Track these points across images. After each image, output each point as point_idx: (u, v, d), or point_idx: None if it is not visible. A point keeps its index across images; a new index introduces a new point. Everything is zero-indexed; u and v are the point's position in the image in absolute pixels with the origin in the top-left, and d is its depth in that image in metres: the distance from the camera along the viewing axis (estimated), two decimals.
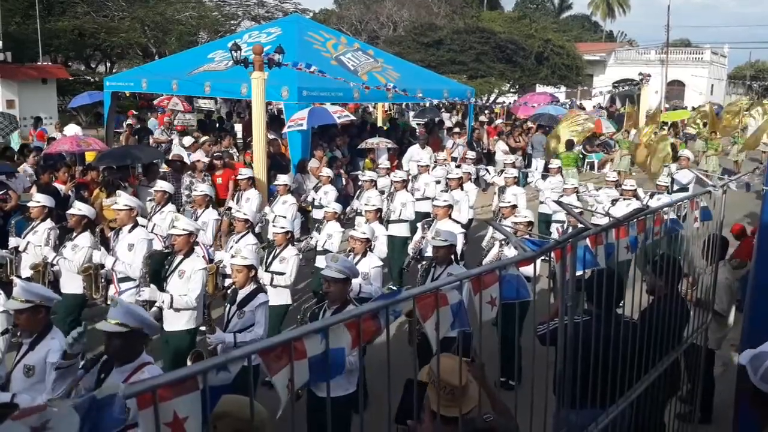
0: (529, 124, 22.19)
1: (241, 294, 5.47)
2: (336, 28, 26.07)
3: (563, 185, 11.07)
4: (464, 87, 19.25)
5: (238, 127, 19.74)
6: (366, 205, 8.50)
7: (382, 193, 10.79)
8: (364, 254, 6.68)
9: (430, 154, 14.48)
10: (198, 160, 11.21)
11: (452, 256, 6.27)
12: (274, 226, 7.32)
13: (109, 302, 6.44)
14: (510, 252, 6.85)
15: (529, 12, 54.76)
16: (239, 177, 10.11)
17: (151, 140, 17.14)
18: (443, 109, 23.82)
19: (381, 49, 21.15)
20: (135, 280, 6.56)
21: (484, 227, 10.36)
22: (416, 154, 14.48)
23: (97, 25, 28.58)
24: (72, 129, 16.26)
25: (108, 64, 35.47)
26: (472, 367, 3.29)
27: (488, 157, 18.46)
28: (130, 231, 6.72)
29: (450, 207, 8.42)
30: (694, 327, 4.79)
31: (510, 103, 31.57)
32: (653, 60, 52.71)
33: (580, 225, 3.29)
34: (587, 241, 3.25)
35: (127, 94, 24.49)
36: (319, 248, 8.24)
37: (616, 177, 11.90)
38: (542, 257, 3.01)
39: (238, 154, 14.54)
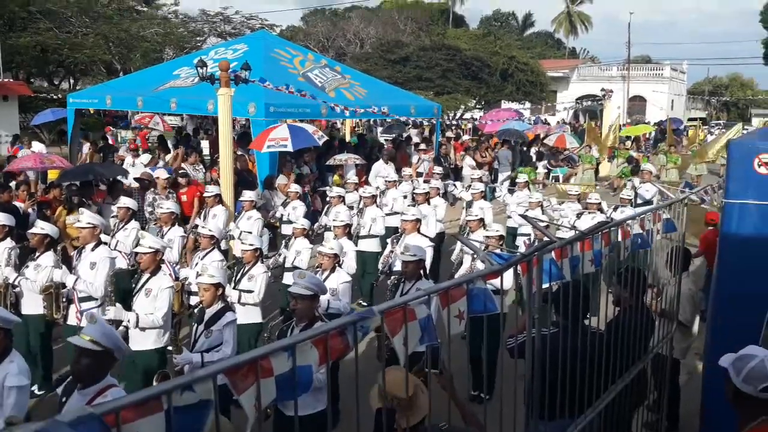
0: (495, 139, 22.43)
1: (209, 313, 5.38)
2: (303, 45, 26.08)
3: (529, 199, 11.19)
4: (431, 103, 19.41)
5: (206, 144, 19.58)
6: (334, 220, 8.50)
7: (350, 208, 10.79)
8: (332, 270, 6.68)
9: (393, 169, 14.57)
10: (158, 177, 11.10)
11: (421, 271, 6.27)
12: (243, 242, 7.25)
13: (81, 322, 6.31)
14: (482, 265, 6.89)
15: (494, 29, 55.56)
16: (206, 194, 10.01)
17: (115, 158, 16.90)
18: (411, 125, 23.96)
19: (348, 66, 21.22)
20: (97, 299, 6.42)
21: (454, 241, 10.41)
22: (382, 170, 14.54)
23: (59, 41, 28.14)
24: (36, 146, 15.99)
25: (71, 81, 34.96)
26: (441, 378, 3.31)
27: (455, 172, 18.59)
28: (92, 249, 6.58)
29: (418, 221, 8.46)
30: (659, 337, 4.86)
31: (476, 119, 31.87)
32: (615, 76, 53.88)
33: (545, 238, 3.33)
34: (552, 254, 3.28)
35: (92, 111, 24.14)
36: (287, 265, 8.19)
37: (578, 191, 12.03)
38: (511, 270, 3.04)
39: (204, 171, 14.41)
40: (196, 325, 5.50)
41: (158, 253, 6.02)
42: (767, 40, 54.10)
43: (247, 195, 9.80)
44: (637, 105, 54.15)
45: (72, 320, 6.45)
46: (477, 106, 36.68)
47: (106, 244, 7.17)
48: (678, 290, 5.38)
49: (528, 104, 39.40)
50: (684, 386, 6.63)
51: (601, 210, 10.37)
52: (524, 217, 5.42)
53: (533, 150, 23.53)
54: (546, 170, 22.27)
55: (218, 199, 9.81)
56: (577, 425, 3.54)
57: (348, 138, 21.17)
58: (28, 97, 26.01)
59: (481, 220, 8.86)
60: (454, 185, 13.83)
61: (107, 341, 3.69)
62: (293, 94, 12.77)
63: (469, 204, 11.06)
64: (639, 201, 12.79)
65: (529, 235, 10.07)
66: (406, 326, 2.42)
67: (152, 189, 10.89)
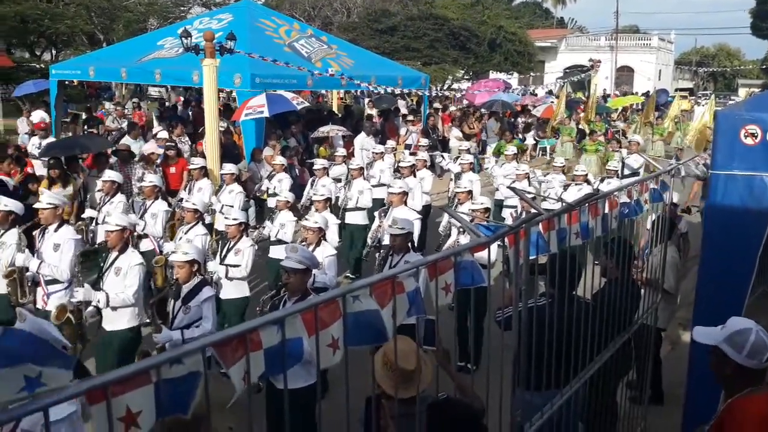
0: (483, 110, 22.31)
1: (185, 289, 5.40)
2: (288, 14, 25.71)
3: (516, 171, 11.19)
4: (418, 74, 19.27)
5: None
6: (314, 194, 8.46)
7: (338, 181, 10.76)
8: (317, 243, 6.65)
9: (374, 141, 14.55)
10: (152, 153, 11.00)
11: (409, 244, 6.30)
12: (227, 217, 7.21)
13: (48, 306, 6.13)
14: (466, 240, 6.91)
15: None
16: (191, 167, 9.90)
17: (102, 129, 16.78)
18: (399, 97, 23.81)
19: (334, 36, 20.99)
20: (63, 282, 6.24)
21: (441, 213, 10.43)
22: (366, 143, 14.49)
23: (40, 11, 27.56)
24: (36, 116, 15.77)
25: (53, 52, 34.36)
26: (437, 354, 3.35)
27: (444, 144, 18.55)
28: (56, 230, 6.31)
29: (405, 194, 8.43)
30: (644, 308, 4.91)
31: (464, 89, 31.66)
32: (603, 46, 53.70)
33: (533, 210, 3.34)
34: (540, 226, 3.29)
35: (75, 83, 23.79)
36: (272, 238, 8.20)
37: (563, 163, 12.06)
38: (498, 242, 3.05)
39: (190, 143, 14.30)
40: (173, 301, 5.49)
41: (125, 231, 5.89)
42: (754, 10, 54.03)
43: (228, 168, 9.67)
44: (624, 75, 54.12)
45: (39, 304, 6.28)
46: (465, 77, 36.46)
47: (91, 218, 7.01)
48: (663, 259, 5.43)
49: (516, 75, 39.22)
50: (667, 357, 6.72)
51: (587, 182, 10.41)
52: (512, 188, 5.43)
53: (521, 120, 23.49)
54: (534, 141, 22.26)
55: (204, 171, 9.70)
56: (563, 395, 3.59)
57: (335, 109, 21.04)
58: (9, 68, 25.59)
59: (470, 192, 8.88)
60: (442, 157, 13.80)
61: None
62: (279, 65, 12.64)
63: (458, 176, 11.06)
64: (627, 171, 12.86)
65: (515, 207, 10.10)
66: (394, 299, 2.43)
67: (142, 163, 10.80)
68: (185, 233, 7.20)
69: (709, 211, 4.64)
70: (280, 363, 2.11)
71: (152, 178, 8.56)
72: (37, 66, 26.29)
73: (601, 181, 11.05)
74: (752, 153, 4.32)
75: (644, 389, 5.38)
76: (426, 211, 10.71)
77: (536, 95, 31.96)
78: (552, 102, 25.00)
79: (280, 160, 10.99)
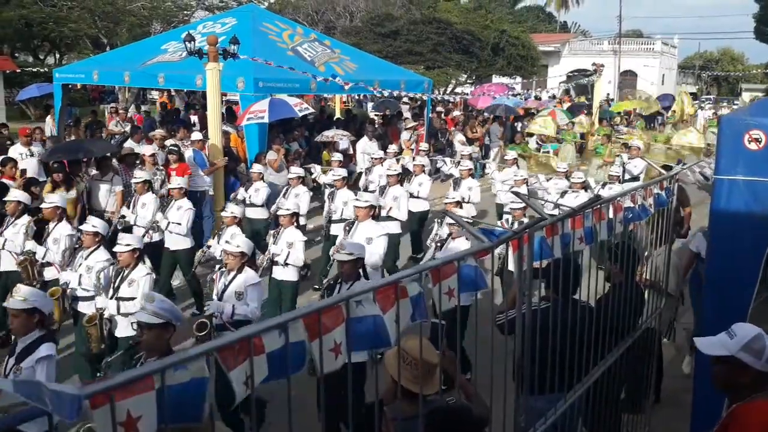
0: (485, 114, 22.30)
1: (21, 344, 4.43)
2: (292, 18, 25.73)
3: (515, 177, 11.13)
4: (421, 78, 19.28)
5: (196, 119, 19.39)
6: (280, 209, 7.86)
7: (330, 186, 10.58)
8: (239, 270, 5.91)
9: (378, 145, 14.52)
10: (143, 154, 10.90)
11: (360, 270, 5.66)
12: (119, 243, 6.13)
13: None
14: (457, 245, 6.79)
15: (485, 3, 55.03)
16: (134, 180, 8.84)
17: (105, 132, 16.82)
18: (403, 101, 23.83)
19: (338, 40, 21.01)
20: None
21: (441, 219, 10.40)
22: (368, 147, 14.47)
23: (44, 14, 27.69)
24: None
25: (57, 56, 34.49)
26: (445, 360, 3.35)
27: (451, 148, 18.57)
28: None
29: (371, 207, 7.71)
30: (648, 312, 4.90)
31: (467, 93, 31.69)
32: (606, 50, 53.75)
33: (530, 216, 3.33)
34: (543, 231, 3.29)
35: (78, 86, 23.84)
36: (218, 257, 7.22)
37: (566, 168, 11.92)
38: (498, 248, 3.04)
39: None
40: (8, 357, 4.56)
41: None
42: (758, 14, 53.94)
43: (176, 182, 8.75)
44: (628, 80, 54.08)
45: None
46: (468, 81, 36.47)
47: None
48: (667, 261, 5.42)
49: (519, 79, 39.24)
50: (671, 362, 6.70)
51: (585, 188, 10.32)
52: (516, 193, 5.42)
53: (523, 124, 23.45)
54: (537, 146, 22.23)
55: (148, 186, 8.75)
56: (567, 400, 3.58)
57: (338, 113, 21.08)
58: (14, 72, 25.68)
59: (458, 202, 8.66)
60: (444, 161, 13.78)
61: None
62: (283, 68, 12.65)
63: (457, 182, 10.98)
64: (627, 177, 12.82)
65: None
66: (397, 303, 2.43)
67: (140, 166, 10.78)
68: (84, 259, 6.31)
69: (713, 216, 4.63)
70: (283, 367, 2.11)
71: (53, 198, 7.46)
72: (41, 70, 26.35)
73: (603, 186, 11.03)
74: (756, 158, 4.31)
75: (648, 394, 5.36)
76: (424, 217, 10.66)
77: (540, 99, 31.97)
78: (555, 107, 24.97)
79: (257, 168, 10.29)
